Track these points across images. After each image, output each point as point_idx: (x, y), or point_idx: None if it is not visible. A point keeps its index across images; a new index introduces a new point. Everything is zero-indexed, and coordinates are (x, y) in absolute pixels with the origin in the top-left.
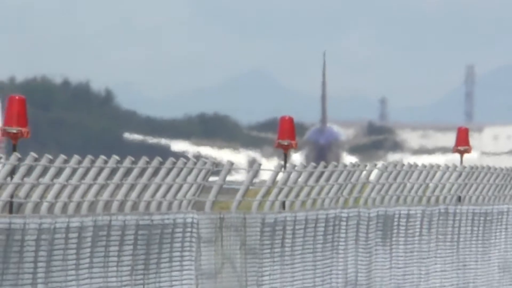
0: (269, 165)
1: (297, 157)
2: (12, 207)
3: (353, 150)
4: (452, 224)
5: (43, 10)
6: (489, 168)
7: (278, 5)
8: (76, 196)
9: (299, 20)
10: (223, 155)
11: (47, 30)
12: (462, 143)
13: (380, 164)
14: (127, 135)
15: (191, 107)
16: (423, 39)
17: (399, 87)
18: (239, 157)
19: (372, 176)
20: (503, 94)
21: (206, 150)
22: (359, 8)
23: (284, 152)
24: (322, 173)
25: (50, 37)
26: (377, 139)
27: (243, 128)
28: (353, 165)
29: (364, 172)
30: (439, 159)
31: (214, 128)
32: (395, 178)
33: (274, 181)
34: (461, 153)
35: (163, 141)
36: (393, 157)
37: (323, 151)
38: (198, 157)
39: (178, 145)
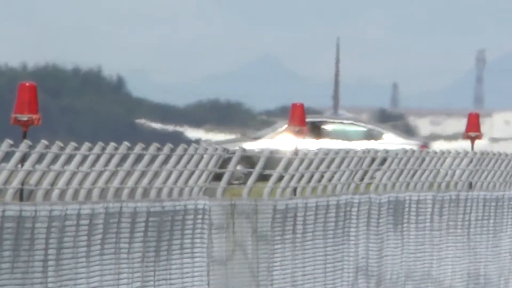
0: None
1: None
2: (22, 195)
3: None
4: (463, 210)
5: None
6: (500, 154)
7: None
8: (87, 183)
9: (311, 7)
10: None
11: (57, 17)
12: (473, 129)
13: (391, 150)
14: (139, 121)
15: (203, 93)
16: (433, 24)
17: (410, 73)
18: (252, 144)
19: (385, 162)
20: None
21: (219, 137)
22: None
23: (296, 139)
24: (333, 159)
25: (61, 23)
26: (389, 126)
27: (255, 114)
28: (364, 152)
29: (377, 159)
30: (451, 145)
31: (226, 115)
32: (405, 164)
33: (285, 168)
34: (472, 139)
35: (176, 128)
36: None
37: None
38: (210, 143)
39: (191, 132)
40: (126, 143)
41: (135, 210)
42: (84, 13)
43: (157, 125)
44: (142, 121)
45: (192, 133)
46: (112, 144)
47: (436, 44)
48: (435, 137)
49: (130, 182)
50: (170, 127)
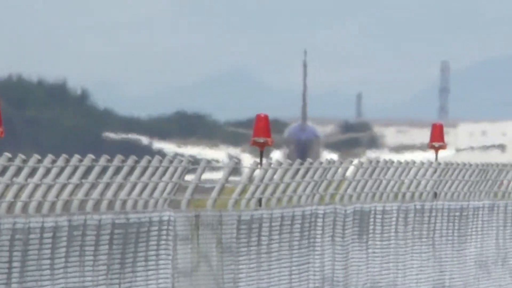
0: (249, 163)
1: (277, 155)
2: None
3: (331, 148)
4: (428, 220)
5: (18, 8)
6: (464, 164)
7: (257, 3)
8: (51, 196)
9: (278, 17)
10: (203, 153)
11: (21, 27)
12: (437, 139)
13: (356, 160)
14: (106, 134)
15: (170, 104)
16: (398, 35)
17: (376, 83)
18: (219, 154)
19: (348, 173)
20: (477, 89)
21: (186, 149)
22: (336, 5)
23: (260, 150)
24: (298, 170)
25: (26, 35)
26: (354, 136)
27: (223, 125)
28: (329, 162)
29: (340, 169)
30: (416, 156)
31: (193, 126)
32: (370, 175)
33: (250, 179)
34: (436, 149)
35: (143, 139)
36: (370, 154)
37: (304, 148)
38: (174, 155)
39: (157, 144)
40: (90, 155)
41: (99, 222)
42: (49, 24)
43: (123, 137)
44: (108, 133)
45: (157, 144)
46: (76, 156)
47: (402, 55)
48: (400, 147)
49: (95, 194)
50: (135, 139)
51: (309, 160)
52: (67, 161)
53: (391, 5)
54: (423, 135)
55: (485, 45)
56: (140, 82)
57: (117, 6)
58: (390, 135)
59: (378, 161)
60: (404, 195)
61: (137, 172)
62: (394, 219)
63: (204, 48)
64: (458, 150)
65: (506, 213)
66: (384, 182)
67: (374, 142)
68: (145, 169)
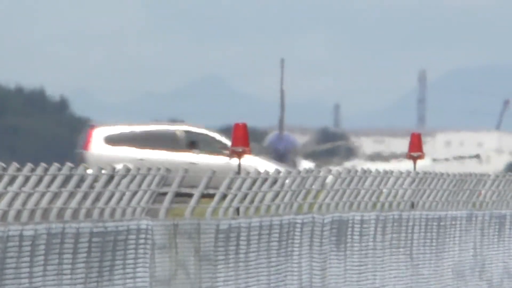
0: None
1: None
2: None
3: (309, 157)
4: (406, 229)
5: None
6: (441, 174)
7: (233, 11)
8: (30, 204)
9: (255, 26)
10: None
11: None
12: (415, 149)
13: (334, 170)
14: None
15: (147, 112)
16: (375, 44)
17: (353, 92)
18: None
19: (327, 182)
20: (455, 99)
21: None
22: (313, 14)
23: (238, 159)
24: (276, 179)
25: (3, 43)
26: (332, 146)
27: None
28: (307, 171)
29: (319, 178)
30: (394, 165)
31: None
32: (349, 184)
33: (228, 188)
34: (414, 159)
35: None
36: (348, 163)
37: (282, 158)
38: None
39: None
40: (69, 164)
41: (78, 230)
42: (26, 32)
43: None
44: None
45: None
46: (55, 165)
47: (379, 64)
48: (378, 157)
49: (73, 203)
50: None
51: (287, 169)
52: (46, 170)
53: (368, 15)
54: (401, 145)
55: (461, 55)
56: (117, 91)
57: (93, 16)
58: (368, 144)
59: (356, 171)
60: (382, 204)
61: (115, 180)
62: (372, 228)
63: (180, 56)
64: (435, 160)
65: (484, 223)
66: (362, 191)
67: (351, 152)
68: (122, 178)
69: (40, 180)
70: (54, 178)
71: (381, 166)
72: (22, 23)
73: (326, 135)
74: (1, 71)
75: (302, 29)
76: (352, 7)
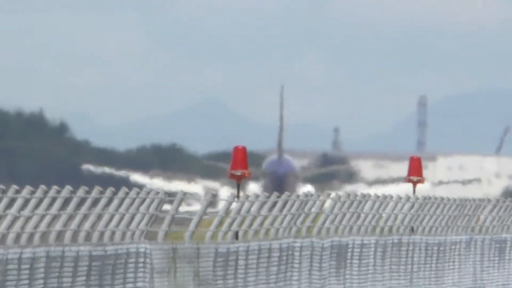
0: (226, 195)
1: (255, 187)
2: None
3: (309, 181)
4: (406, 254)
5: None
6: (442, 199)
7: (232, 34)
8: (29, 227)
9: (254, 49)
10: (180, 186)
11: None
12: (415, 173)
13: (333, 194)
14: (85, 167)
15: (147, 136)
16: (376, 67)
17: (352, 116)
18: (197, 187)
19: (326, 206)
20: (455, 123)
21: (163, 181)
22: (313, 36)
23: (237, 182)
24: (275, 203)
25: (3, 66)
26: (331, 170)
27: (199, 158)
28: (306, 195)
29: (317, 202)
30: (393, 189)
31: (170, 158)
32: (348, 208)
33: (227, 211)
34: (414, 183)
35: (121, 172)
36: (348, 187)
37: (281, 182)
38: (151, 187)
39: (135, 177)
40: (68, 187)
41: (77, 254)
42: (26, 54)
43: (101, 169)
44: (86, 165)
45: (135, 177)
46: (55, 188)
47: (379, 88)
48: (378, 181)
49: (73, 226)
50: (113, 171)
51: (286, 193)
52: (45, 192)
53: (369, 38)
54: (401, 169)
55: (460, 79)
56: (116, 114)
57: (92, 38)
58: (368, 168)
59: (356, 195)
60: (382, 229)
61: (114, 203)
62: (372, 252)
63: (180, 79)
64: (435, 184)
65: (483, 247)
66: (362, 215)
67: (351, 176)
68: (122, 201)
69: (39, 202)
70: (53, 200)
71: (380, 190)
72: (21, 46)
73: (325, 159)
74: (0, 94)
75: (301, 52)
76: (351, 32)
